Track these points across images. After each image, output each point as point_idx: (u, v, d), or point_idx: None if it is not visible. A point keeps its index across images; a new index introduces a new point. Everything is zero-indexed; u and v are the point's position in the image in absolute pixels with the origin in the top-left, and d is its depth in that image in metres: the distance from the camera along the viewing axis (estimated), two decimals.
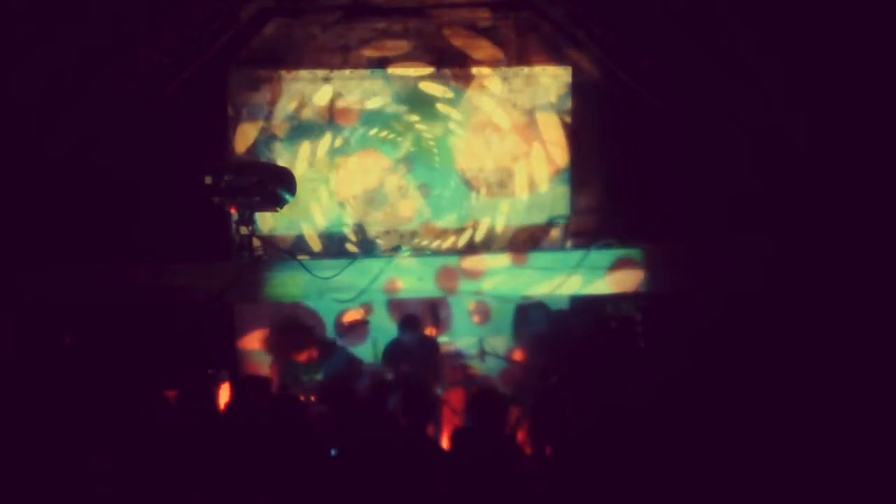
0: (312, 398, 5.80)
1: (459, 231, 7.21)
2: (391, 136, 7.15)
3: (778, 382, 4.64)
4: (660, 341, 6.05)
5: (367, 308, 6.88)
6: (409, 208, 7.19)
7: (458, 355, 6.64)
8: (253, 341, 7.02)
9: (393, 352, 6.29)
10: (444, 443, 5.11)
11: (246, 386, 4.92)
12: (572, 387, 5.12)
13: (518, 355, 6.85)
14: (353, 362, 6.33)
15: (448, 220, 7.20)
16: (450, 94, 7.16)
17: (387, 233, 7.16)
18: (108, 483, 3.57)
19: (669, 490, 3.60)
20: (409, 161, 7.15)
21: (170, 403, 4.60)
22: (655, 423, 3.98)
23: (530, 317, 6.66)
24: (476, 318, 6.98)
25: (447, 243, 7.18)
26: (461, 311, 7.02)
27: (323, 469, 3.88)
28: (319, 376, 6.25)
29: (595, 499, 3.69)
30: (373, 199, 7.17)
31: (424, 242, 7.12)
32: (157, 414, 4.45)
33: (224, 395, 5.22)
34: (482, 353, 6.52)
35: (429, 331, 6.58)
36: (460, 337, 6.91)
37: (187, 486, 3.61)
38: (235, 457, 3.75)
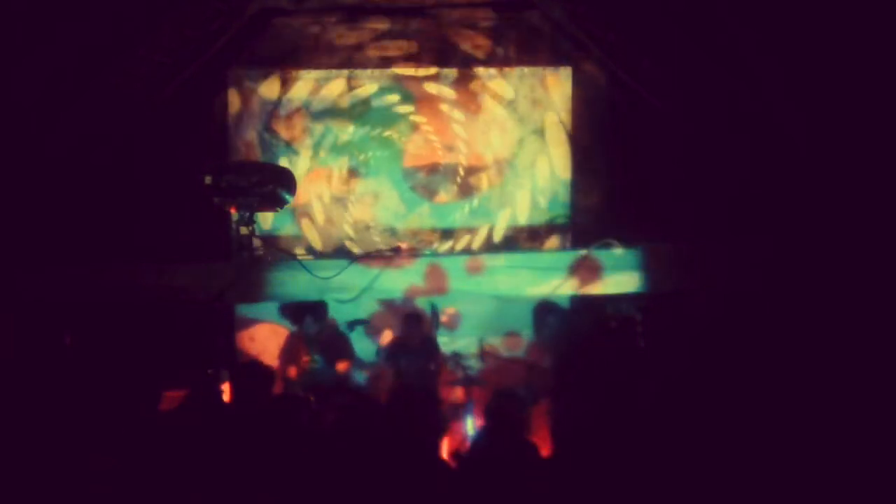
0: (311, 398, 5.79)
1: (456, 232, 7.20)
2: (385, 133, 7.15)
3: (778, 382, 4.64)
4: (660, 341, 6.04)
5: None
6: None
7: (457, 355, 6.62)
8: (253, 341, 7.01)
9: (392, 350, 6.29)
10: (445, 443, 5.10)
11: (244, 372, 4.88)
12: (575, 387, 5.12)
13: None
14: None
15: (442, 222, 7.19)
16: (451, 94, 7.16)
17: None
18: (108, 483, 3.57)
19: (670, 489, 3.60)
20: (405, 161, 7.15)
21: (170, 403, 4.60)
22: (656, 423, 3.98)
23: (549, 318, 6.62)
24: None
25: (444, 245, 7.18)
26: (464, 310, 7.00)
27: (324, 469, 3.87)
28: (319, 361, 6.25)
29: (595, 499, 3.69)
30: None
31: (420, 243, 7.10)
32: (157, 414, 4.45)
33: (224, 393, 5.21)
34: (482, 353, 6.50)
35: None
36: (460, 337, 6.89)
37: (187, 485, 3.61)
38: (236, 457, 3.75)
